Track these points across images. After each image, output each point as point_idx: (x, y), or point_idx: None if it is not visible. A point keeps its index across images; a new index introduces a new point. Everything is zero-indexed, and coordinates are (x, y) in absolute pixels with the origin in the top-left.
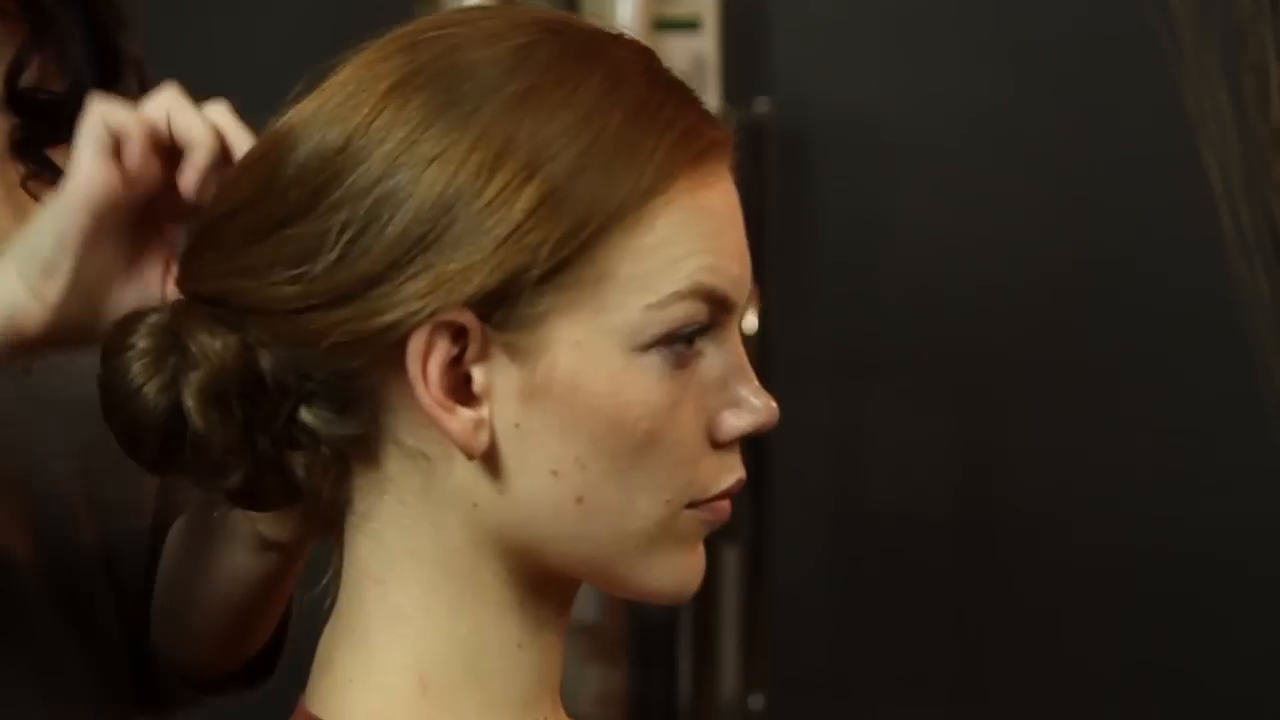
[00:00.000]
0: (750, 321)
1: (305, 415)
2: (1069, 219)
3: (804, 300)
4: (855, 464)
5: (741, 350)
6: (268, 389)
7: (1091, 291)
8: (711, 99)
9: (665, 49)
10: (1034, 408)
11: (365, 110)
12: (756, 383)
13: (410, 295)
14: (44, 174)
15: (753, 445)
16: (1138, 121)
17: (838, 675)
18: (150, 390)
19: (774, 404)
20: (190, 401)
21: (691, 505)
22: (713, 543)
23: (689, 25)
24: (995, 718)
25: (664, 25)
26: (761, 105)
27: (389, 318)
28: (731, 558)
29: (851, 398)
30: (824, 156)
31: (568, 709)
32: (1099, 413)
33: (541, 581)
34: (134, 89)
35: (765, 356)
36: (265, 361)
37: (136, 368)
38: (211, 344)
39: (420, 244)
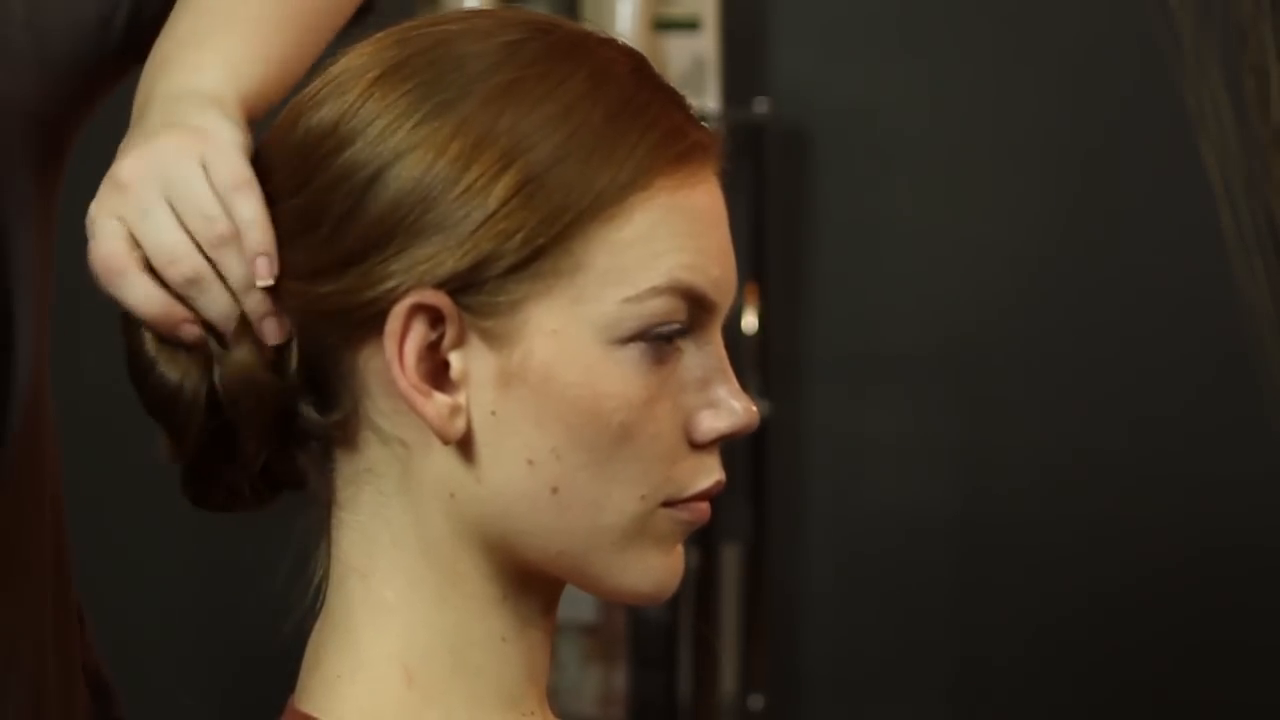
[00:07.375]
0: (750, 321)
1: (304, 408)
2: (1068, 219)
3: (804, 300)
4: (855, 464)
5: (723, 353)
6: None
7: (1091, 291)
8: (711, 99)
9: (665, 49)
10: (1034, 408)
11: (353, 96)
12: (737, 385)
13: (385, 275)
14: None
15: (753, 445)
16: (1138, 121)
17: (838, 675)
18: (186, 377)
19: (754, 407)
20: (224, 385)
21: (669, 504)
22: (713, 543)
23: (689, 25)
24: (995, 718)
25: (664, 25)
26: (761, 105)
27: (364, 295)
28: (731, 558)
29: (851, 398)
30: (824, 156)
31: (568, 709)
32: (1099, 413)
33: (523, 577)
34: None
35: (765, 356)
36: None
37: (166, 354)
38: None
39: (398, 227)
